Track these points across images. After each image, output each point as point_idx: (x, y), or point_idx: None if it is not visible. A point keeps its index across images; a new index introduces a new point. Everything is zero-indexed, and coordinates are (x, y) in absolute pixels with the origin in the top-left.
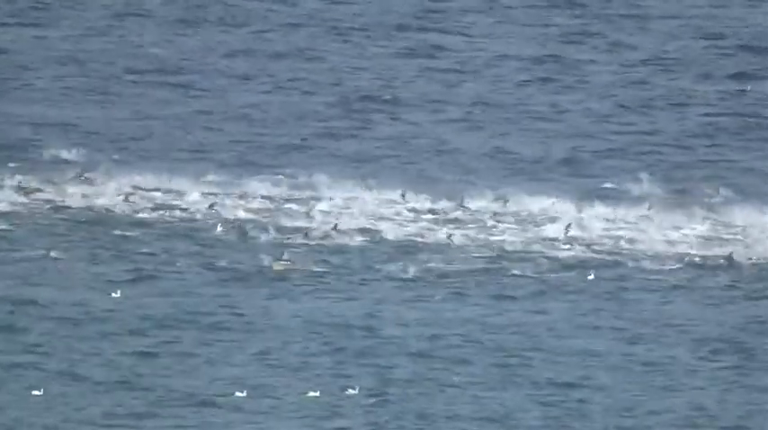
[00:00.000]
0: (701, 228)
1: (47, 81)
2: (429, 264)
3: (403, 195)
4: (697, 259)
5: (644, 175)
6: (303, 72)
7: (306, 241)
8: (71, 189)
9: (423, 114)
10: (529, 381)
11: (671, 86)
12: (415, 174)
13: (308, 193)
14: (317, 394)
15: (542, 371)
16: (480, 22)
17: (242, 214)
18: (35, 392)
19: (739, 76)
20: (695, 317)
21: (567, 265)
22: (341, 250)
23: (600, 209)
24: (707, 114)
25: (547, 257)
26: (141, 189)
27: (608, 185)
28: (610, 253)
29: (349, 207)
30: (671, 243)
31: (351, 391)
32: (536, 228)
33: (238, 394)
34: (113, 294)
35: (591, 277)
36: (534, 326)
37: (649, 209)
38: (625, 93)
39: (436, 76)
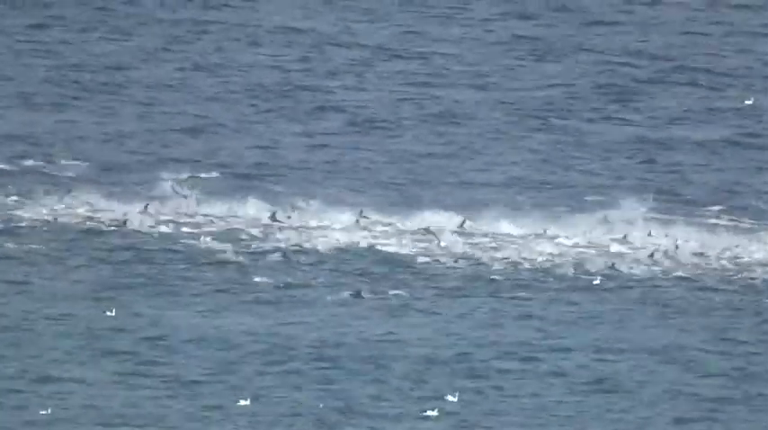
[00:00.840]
0: (694, 242)
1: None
2: (417, 282)
3: (362, 212)
4: (691, 273)
5: (626, 187)
6: (261, 84)
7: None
8: (44, 202)
9: (384, 129)
10: (515, 400)
11: (640, 96)
12: (389, 190)
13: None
14: (321, 406)
15: (524, 387)
16: (446, 32)
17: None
18: (42, 412)
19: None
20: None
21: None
22: (317, 261)
23: (584, 221)
24: (690, 127)
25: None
26: (116, 202)
27: (589, 198)
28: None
29: (322, 221)
30: (662, 254)
31: (355, 404)
32: (513, 244)
33: (242, 402)
34: (108, 312)
35: (596, 281)
36: (493, 344)
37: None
38: (595, 103)
39: (404, 88)
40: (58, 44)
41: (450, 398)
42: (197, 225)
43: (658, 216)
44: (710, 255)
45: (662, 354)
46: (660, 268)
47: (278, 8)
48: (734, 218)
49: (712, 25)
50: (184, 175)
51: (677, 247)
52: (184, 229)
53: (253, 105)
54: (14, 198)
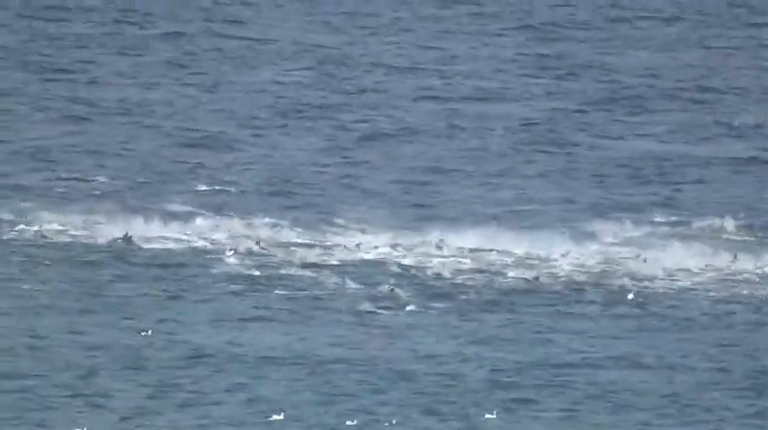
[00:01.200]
0: (714, 257)
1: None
2: (437, 298)
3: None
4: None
5: (646, 204)
6: (278, 99)
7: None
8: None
9: (401, 144)
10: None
11: (659, 113)
12: (406, 206)
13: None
14: (354, 423)
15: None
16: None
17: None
18: None
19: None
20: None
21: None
22: (337, 276)
23: (603, 237)
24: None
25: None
26: (135, 218)
27: (608, 214)
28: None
29: (340, 236)
30: (683, 270)
31: (386, 425)
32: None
33: (275, 417)
34: (143, 333)
35: (630, 296)
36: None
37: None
38: (613, 119)
39: (420, 104)
40: (74, 61)
41: (488, 415)
42: (216, 241)
43: (678, 231)
44: (730, 270)
45: (686, 370)
46: (682, 283)
47: (295, 24)
48: (756, 234)
49: (732, 41)
50: (203, 191)
51: (698, 262)
52: (203, 246)
53: (270, 121)
54: (34, 214)
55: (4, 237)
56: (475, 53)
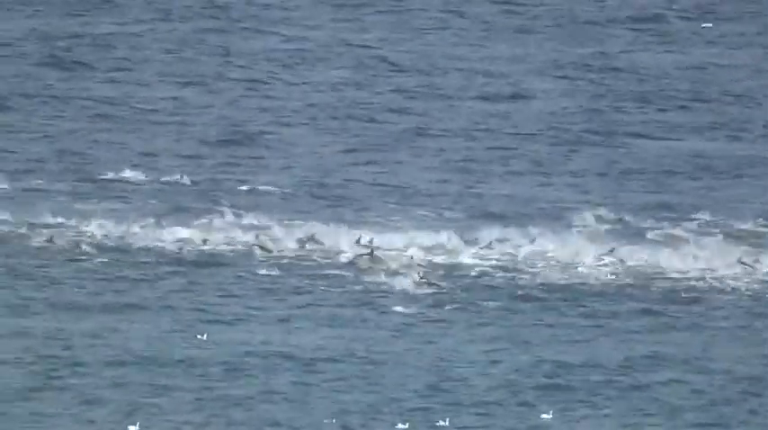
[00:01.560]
0: (757, 261)
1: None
2: (477, 298)
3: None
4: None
5: (686, 206)
6: (315, 100)
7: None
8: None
9: (436, 143)
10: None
11: (696, 113)
12: (441, 208)
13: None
14: (406, 427)
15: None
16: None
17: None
18: (131, 427)
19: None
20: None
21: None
22: (379, 277)
23: (643, 240)
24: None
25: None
26: (172, 221)
27: (647, 216)
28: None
29: (377, 238)
30: (726, 273)
31: (441, 423)
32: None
33: (325, 421)
34: (199, 336)
35: (684, 295)
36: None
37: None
38: (646, 120)
39: (453, 102)
40: (114, 59)
41: (544, 415)
42: (257, 242)
43: (720, 230)
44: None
45: (730, 372)
46: (724, 283)
47: (336, 23)
48: None
49: None
50: (243, 191)
51: (740, 262)
52: (244, 246)
53: (311, 120)
54: (74, 214)
55: (44, 238)
56: (513, 52)
